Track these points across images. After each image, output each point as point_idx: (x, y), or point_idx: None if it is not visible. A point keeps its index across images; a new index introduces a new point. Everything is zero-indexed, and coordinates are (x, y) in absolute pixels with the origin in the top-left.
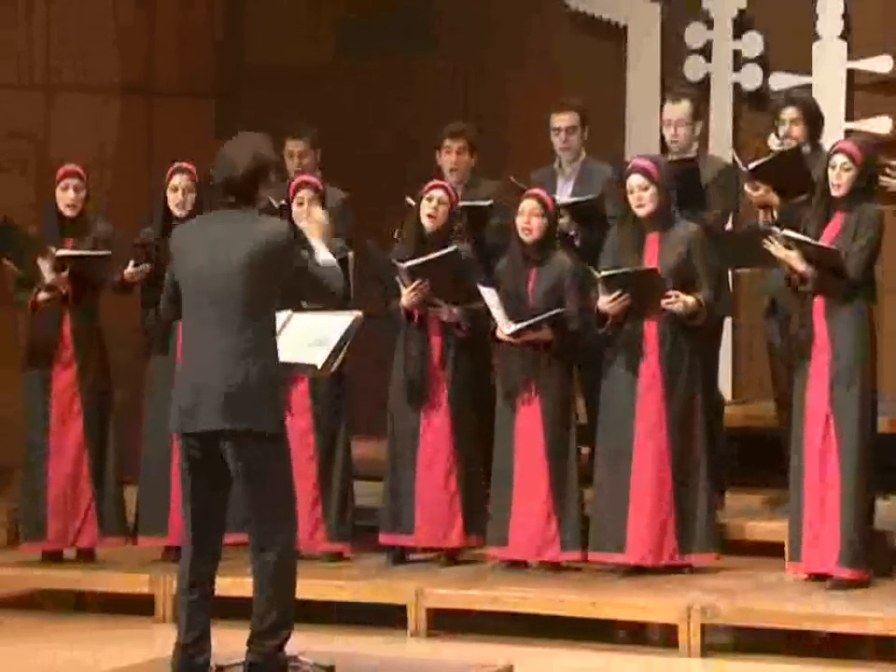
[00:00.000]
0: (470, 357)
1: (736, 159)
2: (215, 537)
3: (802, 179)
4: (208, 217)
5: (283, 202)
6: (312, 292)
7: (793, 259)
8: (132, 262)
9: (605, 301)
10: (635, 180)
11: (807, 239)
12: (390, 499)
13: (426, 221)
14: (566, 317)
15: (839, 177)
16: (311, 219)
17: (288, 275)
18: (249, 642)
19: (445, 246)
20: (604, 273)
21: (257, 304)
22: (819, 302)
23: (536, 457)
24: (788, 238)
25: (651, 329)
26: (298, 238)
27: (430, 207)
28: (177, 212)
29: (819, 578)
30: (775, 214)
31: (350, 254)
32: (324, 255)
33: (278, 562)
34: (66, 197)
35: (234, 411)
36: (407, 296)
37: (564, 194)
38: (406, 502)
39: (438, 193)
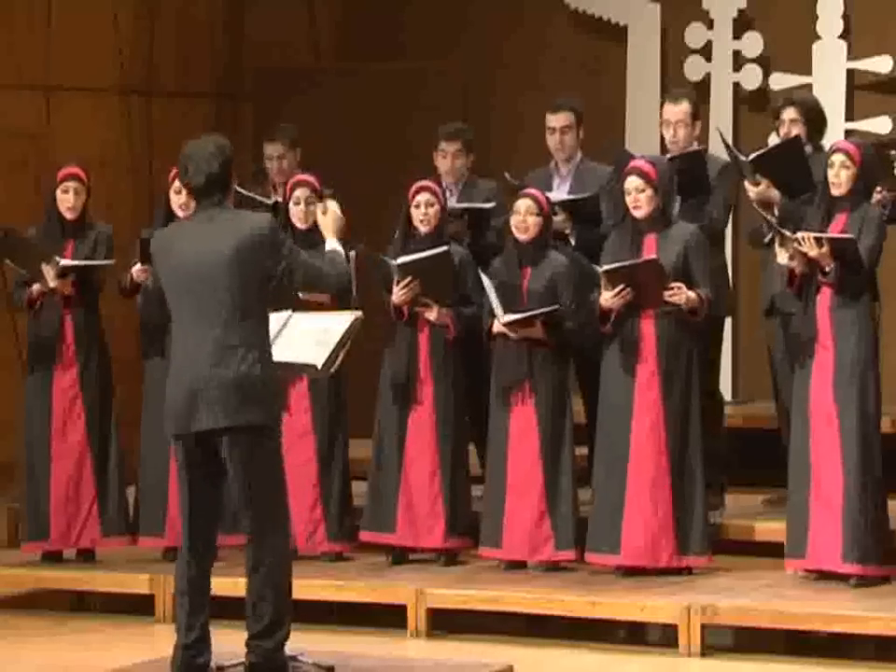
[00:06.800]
0: (459, 358)
1: (735, 151)
2: (211, 535)
3: (802, 174)
4: (192, 218)
5: (277, 199)
6: (307, 280)
7: (825, 254)
8: (137, 262)
9: (607, 297)
10: (632, 182)
11: (824, 235)
12: (373, 497)
13: (420, 227)
14: (561, 315)
15: (838, 176)
16: (327, 216)
17: (277, 265)
18: (247, 644)
19: (439, 245)
20: (605, 268)
21: (246, 297)
22: (822, 300)
23: (529, 456)
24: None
25: (648, 327)
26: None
27: (420, 213)
28: (182, 214)
29: (819, 576)
30: (776, 212)
31: (352, 252)
32: (332, 244)
33: (273, 561)
34: (67, 200)
35: (229, 407)
36: (397, 293)
37: (560, 194)
38: (389, 501)
39: (423, 197)
